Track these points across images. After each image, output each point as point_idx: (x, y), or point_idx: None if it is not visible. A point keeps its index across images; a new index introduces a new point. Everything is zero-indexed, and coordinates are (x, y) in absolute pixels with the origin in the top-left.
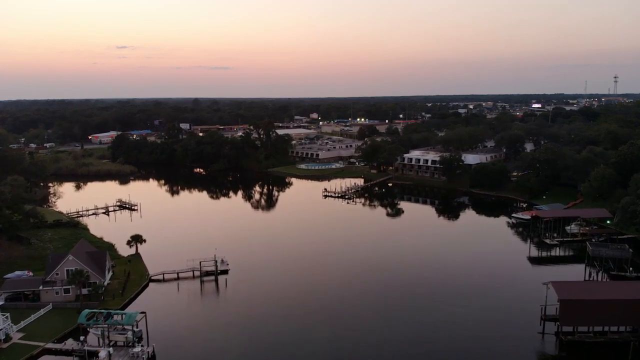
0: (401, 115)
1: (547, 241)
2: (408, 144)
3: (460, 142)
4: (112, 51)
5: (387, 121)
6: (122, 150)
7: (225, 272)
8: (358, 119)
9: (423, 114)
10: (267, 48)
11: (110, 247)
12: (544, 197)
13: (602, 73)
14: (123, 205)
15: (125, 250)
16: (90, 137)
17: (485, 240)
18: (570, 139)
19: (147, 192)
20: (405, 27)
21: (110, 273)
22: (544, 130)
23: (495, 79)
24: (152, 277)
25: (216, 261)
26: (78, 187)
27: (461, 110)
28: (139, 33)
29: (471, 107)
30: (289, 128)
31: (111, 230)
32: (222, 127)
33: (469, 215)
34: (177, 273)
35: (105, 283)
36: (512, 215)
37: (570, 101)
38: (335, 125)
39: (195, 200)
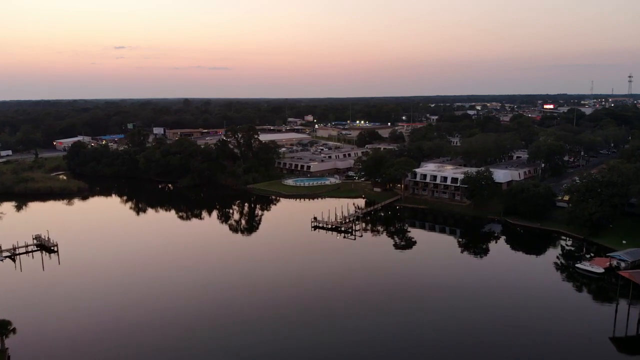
0: (404, 117)
1: None
2: (418, 155)
3: (485, 153)
4: (109, 51)
5: (389, 124)
6: (78, 160)
7: None
8: (357, 122)
9: (428, 115)
10: (266, 48)
11: None
12: (624, 241)
13: (604, 73)
14: (41, 244)
15: None
16: (55, 144)
17: (539, 302)
18: (624, 152)
19: (87, 219)
20: (406, 26)
21: None
22: (581, 137)
23: (496, 79)
24: None
25: None
26: (12, 210)
27: (470, 112)
28: (137, 33)
29: (479, 108)
30: (280, 132)
31: (4, 290)
32: (205, 130)
33: (506, 257)
34: None
35: None
36: (576, 265)
37: (583, 102)
38: (332, 128)
39: (142, 233)
